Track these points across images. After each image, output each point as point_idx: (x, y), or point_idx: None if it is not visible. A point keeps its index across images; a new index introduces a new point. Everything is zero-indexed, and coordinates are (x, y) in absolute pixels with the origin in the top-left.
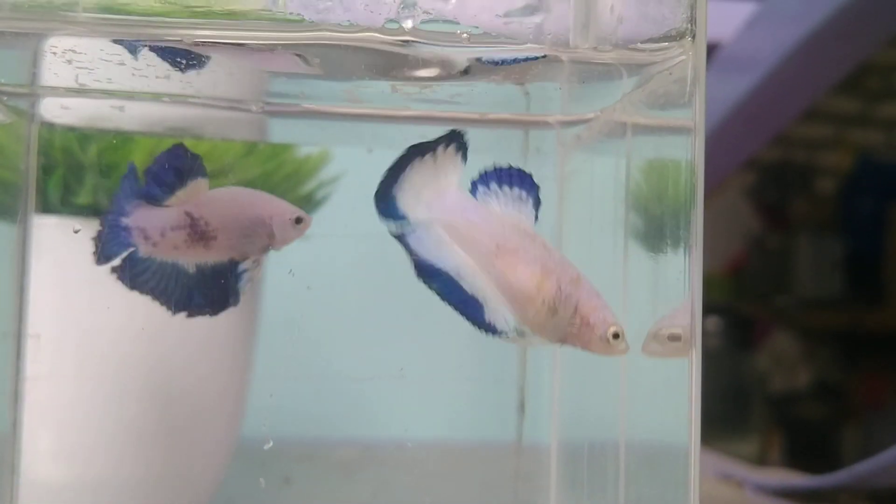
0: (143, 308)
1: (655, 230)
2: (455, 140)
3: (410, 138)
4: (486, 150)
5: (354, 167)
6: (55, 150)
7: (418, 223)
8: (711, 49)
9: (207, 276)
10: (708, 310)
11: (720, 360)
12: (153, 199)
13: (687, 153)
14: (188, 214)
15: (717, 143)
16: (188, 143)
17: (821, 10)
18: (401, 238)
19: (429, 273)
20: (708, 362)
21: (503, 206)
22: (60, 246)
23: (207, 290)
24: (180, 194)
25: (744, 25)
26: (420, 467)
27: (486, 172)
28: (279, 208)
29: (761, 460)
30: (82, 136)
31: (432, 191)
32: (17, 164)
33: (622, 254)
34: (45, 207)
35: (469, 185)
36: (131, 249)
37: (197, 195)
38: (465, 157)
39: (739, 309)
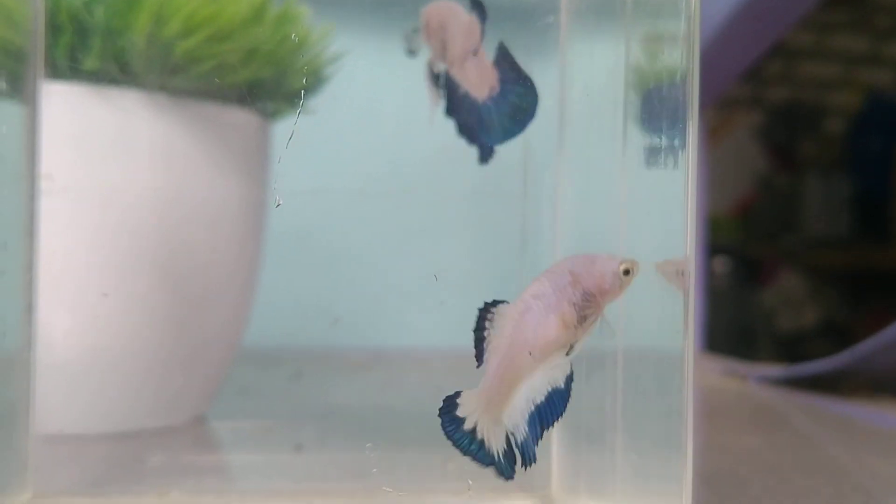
0: (161, 177)
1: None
2: None
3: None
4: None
5: (359, 47)
6: (62, 13)
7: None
8: None
9: None
10: (716, 250)
11: (728, 299)
12: None
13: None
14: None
15: (718, 50)
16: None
17: None
18: None
19: None
20: (716, 302)
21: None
22: (72, 112)
23: None
24: None
25: None
26: (426, 367)
27: None
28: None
29: None
30: None
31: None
32: (26, 27)
33: (622, 133)
34: (54, 73)
35: None
36: None
37: None
38: None
39: (747, 249)
